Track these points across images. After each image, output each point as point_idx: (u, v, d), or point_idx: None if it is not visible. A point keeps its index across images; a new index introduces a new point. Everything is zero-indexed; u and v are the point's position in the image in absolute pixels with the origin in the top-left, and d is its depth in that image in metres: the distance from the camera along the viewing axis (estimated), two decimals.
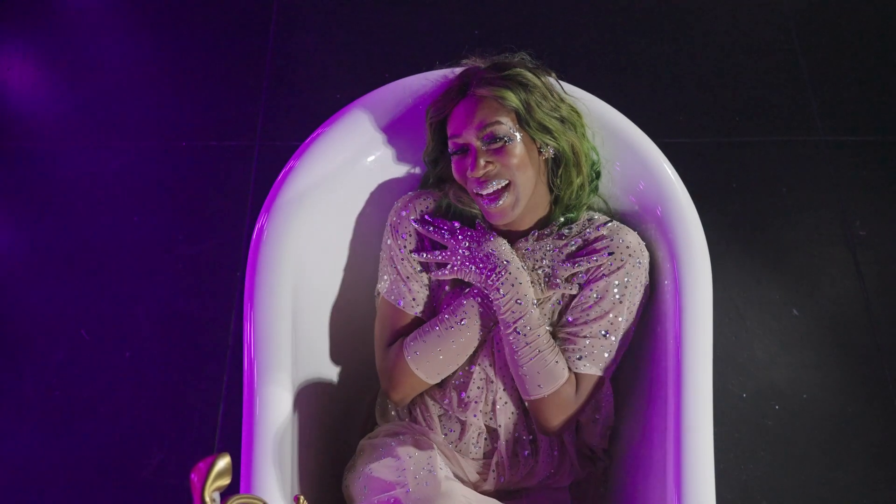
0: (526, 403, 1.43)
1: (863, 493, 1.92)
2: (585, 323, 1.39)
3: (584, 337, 1.39)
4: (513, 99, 1.36)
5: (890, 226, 2.26)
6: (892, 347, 2.09)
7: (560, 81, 1.47)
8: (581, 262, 1.40)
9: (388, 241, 1.50)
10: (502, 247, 1.43)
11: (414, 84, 1.57)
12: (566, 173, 1.43)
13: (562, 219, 1.47)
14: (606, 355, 1.40)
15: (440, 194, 1.51)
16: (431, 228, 1.47)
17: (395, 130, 1.57)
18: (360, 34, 2.58)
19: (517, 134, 1.36)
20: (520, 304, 1.38)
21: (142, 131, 2.42)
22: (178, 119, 2.44)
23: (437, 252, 1.46)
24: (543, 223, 1.48)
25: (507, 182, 1.37)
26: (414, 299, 1.47)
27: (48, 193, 2.32)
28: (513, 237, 1.48)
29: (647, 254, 1.44)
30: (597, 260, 1.40)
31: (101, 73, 2.53)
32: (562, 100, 1.43)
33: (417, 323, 1.48)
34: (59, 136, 2.42)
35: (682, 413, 1.31)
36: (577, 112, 1.44)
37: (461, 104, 1.39)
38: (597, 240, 1.43)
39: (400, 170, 1.61)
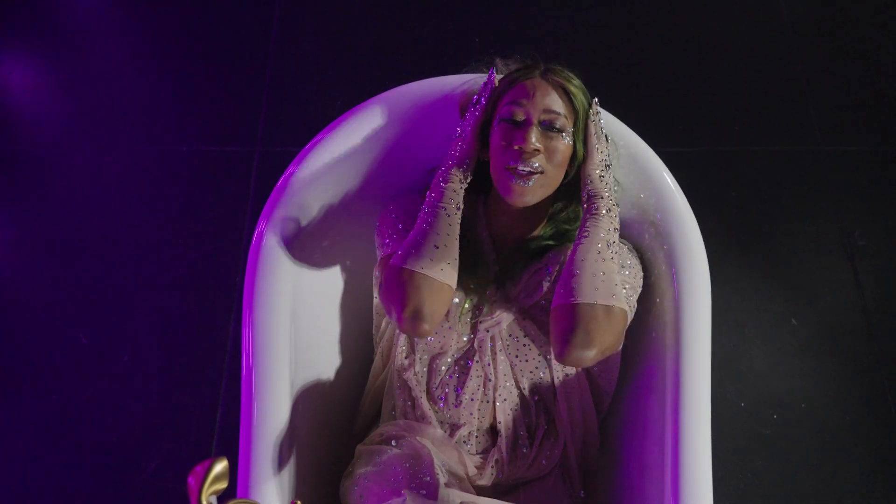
0: (565, 310, 1.30)
1: (861, 502, 1.92)
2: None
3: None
4: (580, 101, 1.41)
5: (889, 235, 2.26)
6: (890, 356, 2.09)
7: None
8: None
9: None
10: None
11: (414, 90, 1.58)
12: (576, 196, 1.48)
13: (550, 241, 1.47)
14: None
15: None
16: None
17: (396, 136, 1.57)
18: (360, 41, 2.58)
19: (569, 135, 1.40)
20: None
21: (142, 135, 2.42)
22: (178, 123, 2.44)
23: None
24: (528, 236, 1.49)
25: (542, 170, 1.38)
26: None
27: (48, 197, 2.33)
28: (502, 244, 1.49)
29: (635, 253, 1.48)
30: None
31: (101, 77, 2.54)
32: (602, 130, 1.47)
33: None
34: (59, 140, 2.42)
35: (681, 421, 1.32)
36: (615, 145, 1.50)
37: (532, 81, 1.41)
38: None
39: (400, 175, 1.61)
